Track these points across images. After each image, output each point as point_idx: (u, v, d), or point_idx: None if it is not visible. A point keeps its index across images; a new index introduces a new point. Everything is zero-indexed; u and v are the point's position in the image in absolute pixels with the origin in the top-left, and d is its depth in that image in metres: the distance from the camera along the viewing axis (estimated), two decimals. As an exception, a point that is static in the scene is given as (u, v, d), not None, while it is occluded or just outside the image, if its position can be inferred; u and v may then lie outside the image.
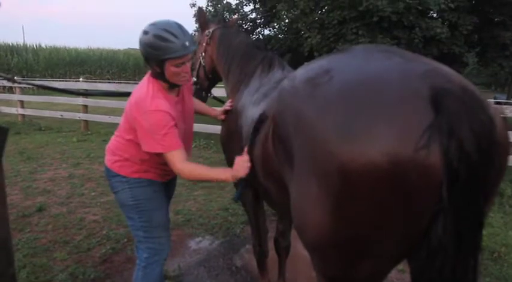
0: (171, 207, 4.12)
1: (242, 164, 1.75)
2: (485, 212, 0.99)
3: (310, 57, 9.16)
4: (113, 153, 2.02)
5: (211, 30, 2.48)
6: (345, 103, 0.99)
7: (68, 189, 4.71)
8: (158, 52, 1.72)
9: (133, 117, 1.81)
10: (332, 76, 1.08)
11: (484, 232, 3.68)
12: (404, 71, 1.02)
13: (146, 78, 1.90)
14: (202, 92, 2.63)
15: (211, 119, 2.64)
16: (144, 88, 1.84)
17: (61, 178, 5.16)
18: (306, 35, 8.72)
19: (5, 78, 1.79)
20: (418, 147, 0.90)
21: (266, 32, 15.03)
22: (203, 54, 2.52)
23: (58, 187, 4.80)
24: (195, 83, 2.65)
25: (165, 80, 1.83)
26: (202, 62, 2.54)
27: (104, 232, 3.52)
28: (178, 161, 1.78)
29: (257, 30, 15.33)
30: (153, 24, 1.75)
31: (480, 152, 0.90)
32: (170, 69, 1.77)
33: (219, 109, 2.35)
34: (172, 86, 1.89)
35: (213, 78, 2.59)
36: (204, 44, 2.51)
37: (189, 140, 2.17)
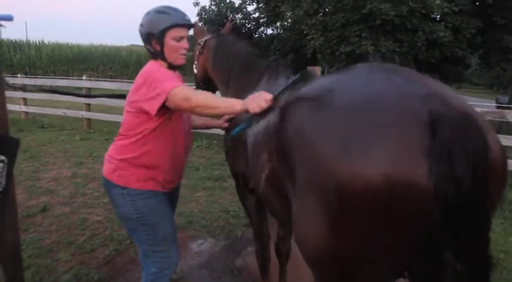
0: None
1: (259, 99, 1.56)
2: (483, 229, 1.02)
3: (313, 59, 9.19)
4: (110, 161, 1.95)
5: (203, 39, 2.54)
6: (345, 124, 1.02)
7: (71, 189, 4.75)
8: (159, 23, 1.79)
9: (140, 91, 1.79)
10: (334, 96, 1.11)
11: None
12: (404, 93, 1.04)
13: (147, 65, 1.93)
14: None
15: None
16: (146, 68, 1.89)
17: (64, 177, 5.20)
18: (309, 37, 8.75)
19: (16, 88, 1.82)
20: (412, 171, 0.93)
21: (269, 31, 15.09)
22: (195, 63, 2.59)
23: (61, 187, 4.84)
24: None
25: (164, 58, 1.87)
26: (194, 70, 2.60)
27: (107, 233, 3.56)
28: (186, 90, 1.70)
29: (260, 30, 15.37)
30: (149, 11, 1.86)
31: (473, 178, 0.91)
32: (170, 43, 1.82)
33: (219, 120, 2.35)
34: (171, 68, 1.92)
35: (205, 87, 2.60)
36: (196, 53, 2.57)
37: (190, 137, 2.12)
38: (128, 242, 3.37)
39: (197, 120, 2.30)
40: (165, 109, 1.77)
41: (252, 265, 2.93)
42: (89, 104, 8.82)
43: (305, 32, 9.27)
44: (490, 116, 5.42)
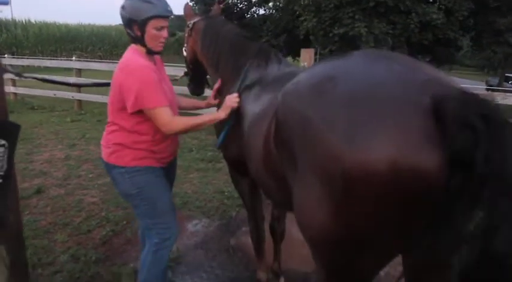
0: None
1: (227, 106, 2.00)
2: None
3: (305, 40, 9.13)
4: (106, 146, 2.06)
5: (192, 22, 2.52)
6: (349, 112, 1.05)
7: (64, 171, 4.76)
8: (142, 12, 1.85)
9: (120, 84, 1.89)
10: (336, 84, 1.13)
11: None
12: (405, 80, 1.07)
13: (127, 51, 2.01)
14: (193, 83, 2.70)
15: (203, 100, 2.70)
16: (126, 56, 1.98)
17: (57, 159, 5.20)
18: (302, 18, 8.67)
19: (13, 73, 1.83)
20: (417, 155, 0.96)
21: (261, 11, 14.88)
22: (185, 45, 2.59)
23: (55, 168, 4.84)
24: (185, 74, 2.71)
25: (144, 44, 1.95)
26: (184, 53, 2.61)
27: (103, 214, 3.60)
28: (166, 115, 1.88)
29: (252, 10, 15.15)
30: None
31: (482, 151, 0.91)
32: (151, 31, 1.90)
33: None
34: (149, 53, 2.00)
35: (194, 69, 2.63)
36: (186, 35, 2.57)
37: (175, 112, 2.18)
38: (125, 222, 3.42)
39: (183, 103, 2.38)
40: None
41: (246, 244, 3.00)
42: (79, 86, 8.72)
43: (298, 12, 9.18)
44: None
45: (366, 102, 1.04)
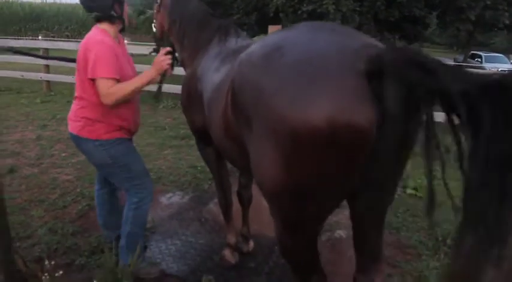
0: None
1: (159, 63, 2.20)
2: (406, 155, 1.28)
3: (275, 18, 9.19)
4: (76, 119, 2.24)
5: None
6: (294, 76, 1.21)
7: (37, 151, 4.78)
8: None
9: (84, 57, 2.11)
10: (283, 53, 1.29)
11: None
12: (342, 47, 1.23)
13: (91, 30, 2.24)
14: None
15: (179, 80, 2.82)
16: (88, 34, 2.21)
17: (29, 140, 5.19)
18: (272, -4, 8.73)
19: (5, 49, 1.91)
20: (351, 113, 1.12)
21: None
22: (154, 21, 2.70)
23: (27, 149, 4.85)
24: (155, 50, 2.77)
25: (123, 21, 2.28)
26: (153, 29, 2.72)
27: (78, 190, 3.70)
28: (104, 87, 2.07)
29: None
30: None
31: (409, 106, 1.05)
32: (126, 8, 2.30)
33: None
34: (122, 30, 2.33)
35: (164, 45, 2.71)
36: (154, 12, 2.66)
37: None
38: (99, 197, 3.52)
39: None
40: None
41: (217, 214, 3.17)
42: (47, 66, 8.54)
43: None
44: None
45: (307, 68, 1.20)
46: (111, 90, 2.08)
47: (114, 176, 2.38)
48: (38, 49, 8.71)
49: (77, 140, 2.27)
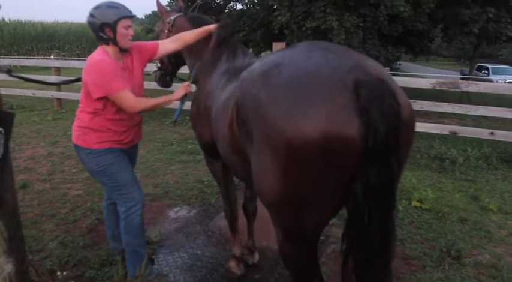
0: (150, 181, 4.42)
1: (180, 91, 2.43)
2: (396, 173, 1.32)
3: (280, 34, 9.37)
4: (75, 130, 2.40)
5: (172, 17, 2.74)
6: (289, 92, 1.30)
7: (48, 167, 4.90)
8: (112, 15, 2.24)
9: (85, 79, 2.24)
10: (281, 70, 1.38)
11: (433, 195, 4.10)
12: (335, 66, 1.33)
13: (95, 53, 2.33)
14: (167, 76, 2.93)
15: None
16: (92, 54, 2.34)
17: (40, 156, 5.33)
18: (276, 13, 8.91)
19: (3, 72, 1.98)
20: (341, 126, 1.21)
21: (239, 6, 15.05)
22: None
23: (39, 165, 4.98)
24: (159, 68, 2.91)
25: (116, 43, 2.29)
26: None
27: (88, 205, 3.78)
28: (128, 98, 2.22)
29: (230, 5, 15.31)
30: (98, 5, 2.27)
31: (388, 128, 1.20)
32: (121, 31, 2.26)
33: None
34: (121, 50, 2.34)
35: (177, 62, 2.88)
36: (166, 31, 2.77)
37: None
38: (109, 211, 3.61)
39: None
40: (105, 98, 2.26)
41: (224, 227, 3.23)
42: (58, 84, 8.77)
43: (275, 6, 9.41)
44: (445, 87, 5.83)
45: (302, 85, 1.29)
46: (138, 101, 2.26)
47: (105, 185, 2.53)
48: (49, 68, 8.96)
49: (75, 148, 2.45)
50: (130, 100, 2.23)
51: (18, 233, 1.66)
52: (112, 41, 2.28)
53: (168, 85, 3.00)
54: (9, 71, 2.22)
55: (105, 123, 2.33)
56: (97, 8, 2.26)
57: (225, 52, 2.40)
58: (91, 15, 2.26)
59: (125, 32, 2.28)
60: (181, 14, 2.76)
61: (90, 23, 2.29)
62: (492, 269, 2.84)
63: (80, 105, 2.39)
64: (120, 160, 2.44)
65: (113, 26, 2.23)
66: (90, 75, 2.22)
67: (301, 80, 1.31)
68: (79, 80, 2.55)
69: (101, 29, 2.25)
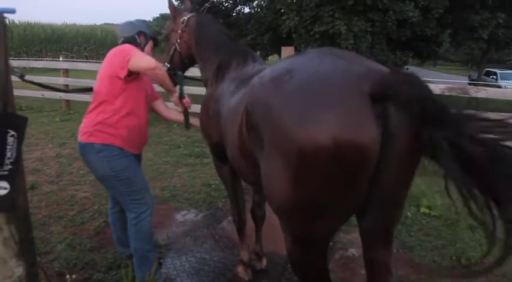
0: (157, 184, 4.42)
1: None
2: (409, 174, 1.33)
3: (288, 38, 9.38)
4: (83, 131, 2.36)
5: (186, 18, 2.74)
6: (301, 98, 1.29)
7: (56, 168, 4.93)
8: (150, 30, 2.70)
9: (113, 55, 2.34)
10: (292, 76, 1.37)
11: (441, 202, 4.06)
12: (347, 72, 1.32)
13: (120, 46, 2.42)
14: (178, 72, 2.92)
15: (194, 99, 2.95)
16: (120, 47, 2.39)
17: (49, 158, 5.36)
18: (284, 17, 8.92)
19: (17, 76, 1.99)
20: (354, 132, 1.20)
21: (246, 10, 15.09)
22: (178, 40, 2.78)
23: (47, 166, 5.00)
24: (168, 69, 2.92)
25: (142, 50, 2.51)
26: (177, 47, 2.80)
27: (96, 207, 3.80)
28: (152, 60, 2.32)
29: (237, 8, 15.35)
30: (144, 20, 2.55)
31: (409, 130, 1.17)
32: (148, 48, 2.65)
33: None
34: None
35: (189, 63, 2.89)
36: (179, 31, 2.77)
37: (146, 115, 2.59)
38: (116, 214, 3.61)
39: (165, 112, 2.86)
40: (132, 75, 2.31)
41: (231, 231, 3.22)
42: (67, 85, 8.83)
43: (283, 10, 9.42)
44: (454, 92, 5.77)
45: (313, 91, 1.28)
46: (160, 66, 2.36)
47: (115, 189, 2.44)
48: (58, 70, 9.03)
49: (83, 149, 2.37)
50: (151, 61, 2.30)
51: (28, 235, 1.66)
52: (140, 47, 2.55)
53: (180, 81, 3.01)
54: (22, 76, 2.22)
55: (123, 119, 2.35)
56: (143, 21, 2.72)
57: (235, 57, 2.40)
58: (136, 20, 2.72)
59: (148, 50, 2.66)
60: (193, 14, 2.78)
61: (134, 25, 2.66)
62: (503, 278, 2.80)
63: (98, 98, 2.37)
64: (134, 165, 2.44)
65: (147, 38, 2.71)
66: (126, 51, 2.32)
67: (313, 86, 1.30)
68: (90, 89, 2.58)
69: (138, 34, 2.61)
